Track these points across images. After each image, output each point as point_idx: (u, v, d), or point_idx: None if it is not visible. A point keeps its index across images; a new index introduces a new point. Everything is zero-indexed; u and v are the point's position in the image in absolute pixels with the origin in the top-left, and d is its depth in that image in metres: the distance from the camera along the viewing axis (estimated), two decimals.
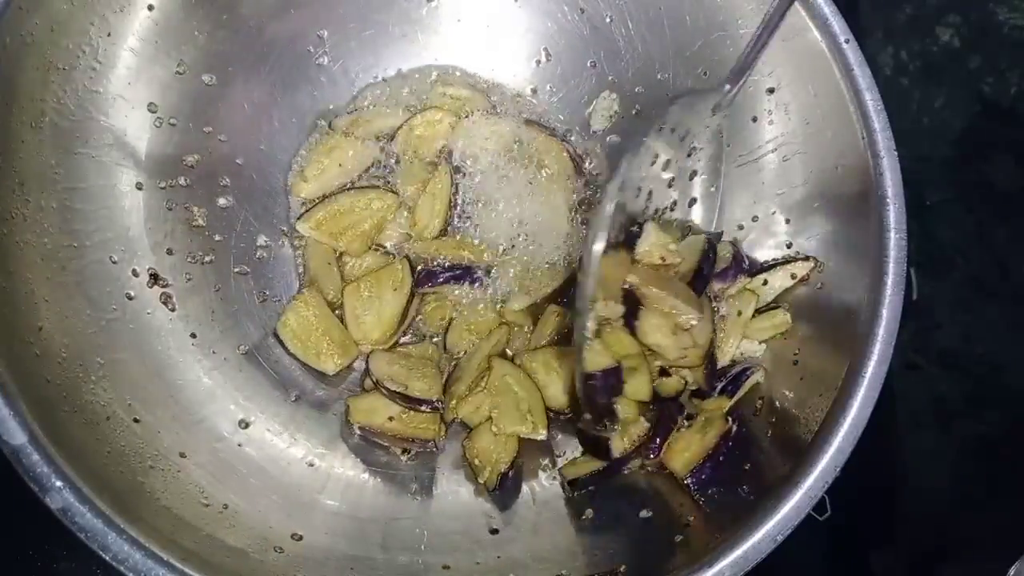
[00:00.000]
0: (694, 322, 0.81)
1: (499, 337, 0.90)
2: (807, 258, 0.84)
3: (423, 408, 0.86)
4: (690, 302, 0.81)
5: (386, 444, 0.87)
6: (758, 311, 0.86)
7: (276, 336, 0.89)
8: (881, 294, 0.73)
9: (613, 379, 0.78)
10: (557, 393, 0.87)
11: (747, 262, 0.88)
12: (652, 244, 0.82)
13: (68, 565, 0.97)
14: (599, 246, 0.68)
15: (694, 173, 0.89)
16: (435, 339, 0.93)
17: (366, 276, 0.90)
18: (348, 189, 0.93)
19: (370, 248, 0.93)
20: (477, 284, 0.92)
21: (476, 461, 0.85)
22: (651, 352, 0.82)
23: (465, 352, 0.91)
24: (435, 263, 0.92)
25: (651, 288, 0.80)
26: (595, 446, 0.84)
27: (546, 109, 0.98)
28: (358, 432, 0.87)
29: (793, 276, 0.85)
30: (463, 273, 0.92)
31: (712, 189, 0.91)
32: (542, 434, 0.85)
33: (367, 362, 0.88)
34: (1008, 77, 1.19)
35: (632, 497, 0.81)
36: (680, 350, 0.82)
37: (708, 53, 0.88)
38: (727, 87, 0.80)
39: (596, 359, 0.77)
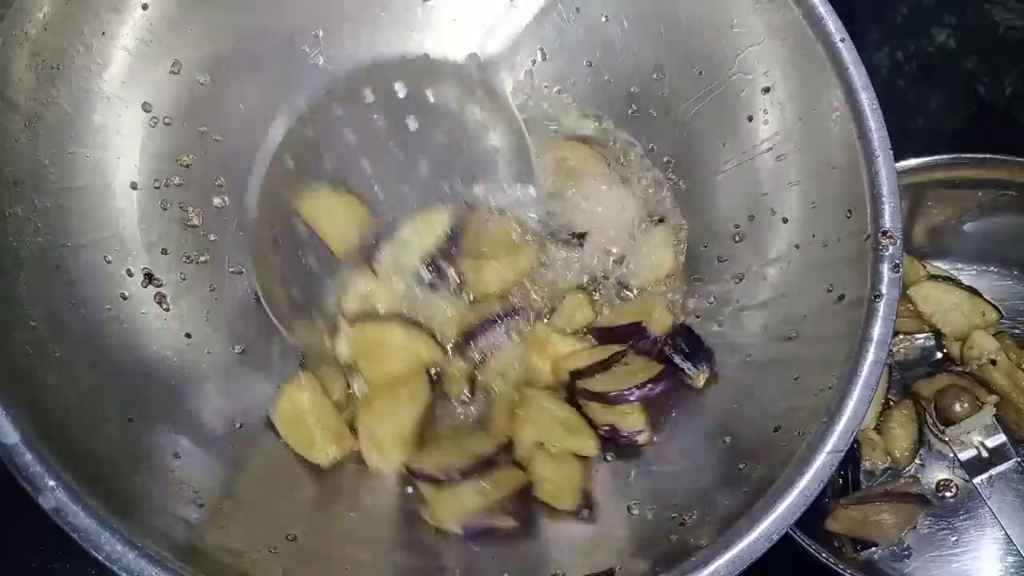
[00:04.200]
0: None
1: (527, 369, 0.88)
2: None
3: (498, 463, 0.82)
4: None
5: (499, 520, 0.80)
6: None
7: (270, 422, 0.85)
8: (876, 293, 0.73)
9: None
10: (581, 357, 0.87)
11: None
12: None
13: (63, 566, 0.97)
14: None
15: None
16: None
17: (380, 394, 0.85)
18: (398, 320, 0.87)
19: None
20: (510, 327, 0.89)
21: (552, 490, 0.81)
22: None
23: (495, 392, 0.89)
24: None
25: None
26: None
27: (543, 107, 0.98)
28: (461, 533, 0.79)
29: None
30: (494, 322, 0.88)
31: None
32: (593, 448, 0.84)
33: (409, 472, 0.83)
34: (1004, 78, 1.19)
35: (627, 497, 0.81)
36: None
37: (704, 52, 0.88)
38: None
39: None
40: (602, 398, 0.84)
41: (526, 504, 0.82)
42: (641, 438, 0.84)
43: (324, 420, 0.83)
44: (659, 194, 0.95)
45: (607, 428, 0.85)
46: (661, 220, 0.94)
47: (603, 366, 0.86)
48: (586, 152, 0.94)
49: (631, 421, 0.84)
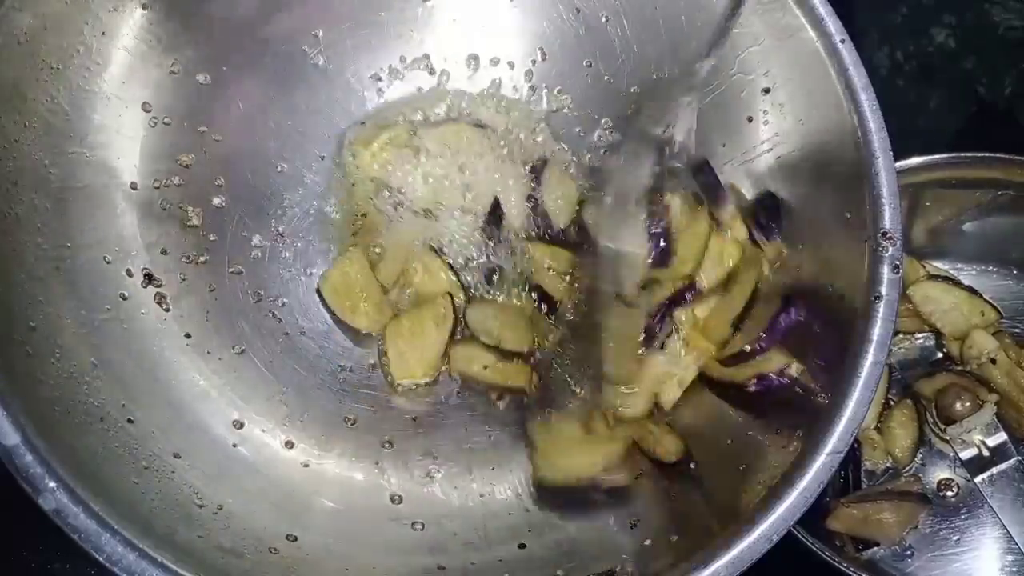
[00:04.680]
0: None
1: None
2: None
3: (515, 360, 0.89)
4: None
5: (482, 392, 0.89)
6: None
7: (318, 292, 0.91)
8: (876, 294, 0.73)
9: None
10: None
11: None
12: None
13: (63, 566, 0.97)
14: None
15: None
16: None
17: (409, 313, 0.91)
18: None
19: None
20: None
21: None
22: None
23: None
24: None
25: None
26: None
27: (543, 109, 0.98)
28: (457, 380, 0.89)
29: None
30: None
31: None
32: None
33: (464, 315, 0.91)
34: (1004, 78, 1.19)
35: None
36: None
37: (704, 52, 0.88)
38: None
39: None
40: (744, 357, 0.81)
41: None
42: (793, 370, 0.78)
43: (369, 291, 0.91)
44: None
45: (754, 382, 0.80)
46: None
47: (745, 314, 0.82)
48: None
49: (773, 361, 0.79)
